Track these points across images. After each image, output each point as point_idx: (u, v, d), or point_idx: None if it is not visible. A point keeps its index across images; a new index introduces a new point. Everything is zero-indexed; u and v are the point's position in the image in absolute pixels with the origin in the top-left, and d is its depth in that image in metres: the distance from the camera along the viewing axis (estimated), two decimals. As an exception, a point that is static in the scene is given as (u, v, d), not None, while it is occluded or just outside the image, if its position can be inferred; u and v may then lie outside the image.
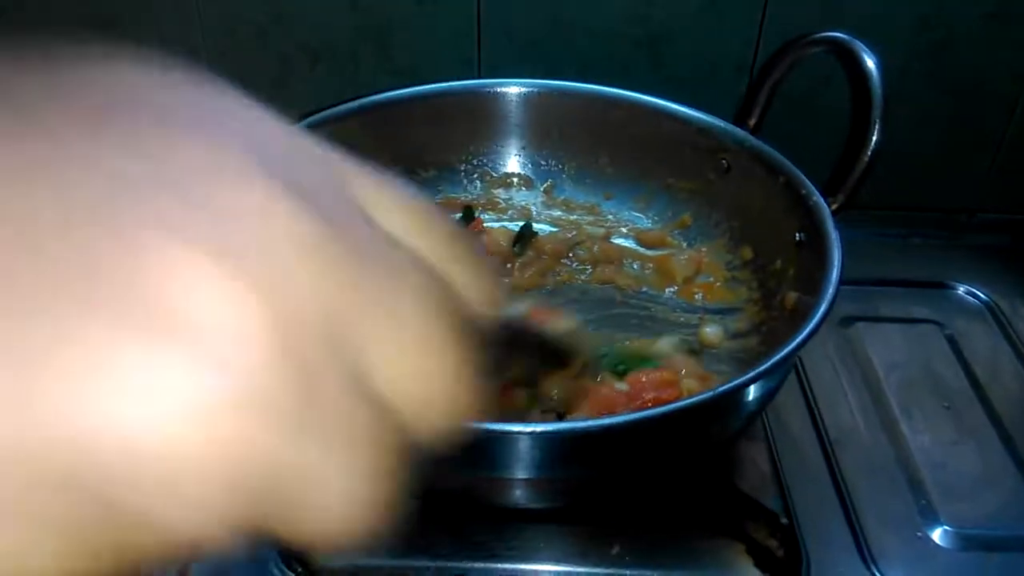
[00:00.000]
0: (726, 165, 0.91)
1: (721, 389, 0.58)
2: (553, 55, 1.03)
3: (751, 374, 0.58)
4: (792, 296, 0.80)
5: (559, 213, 1.01)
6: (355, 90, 0.96)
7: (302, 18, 1.02)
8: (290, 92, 1.05)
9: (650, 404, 0.75)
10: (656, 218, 0.99)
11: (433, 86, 0.96)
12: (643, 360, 0.82)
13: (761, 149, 0.86)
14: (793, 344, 0.61)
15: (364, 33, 1.02)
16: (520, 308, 0.84)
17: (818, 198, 0.79)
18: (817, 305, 0.68)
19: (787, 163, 0.83)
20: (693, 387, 0.77)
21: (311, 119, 0.89)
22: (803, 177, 0.81)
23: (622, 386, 0.78)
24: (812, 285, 0.73)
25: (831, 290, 0.69)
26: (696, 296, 0.92)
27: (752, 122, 0.92)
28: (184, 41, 1.03)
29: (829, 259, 0.73)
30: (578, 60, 1.04)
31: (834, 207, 0.79)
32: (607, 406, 0.76)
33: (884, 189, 1.07)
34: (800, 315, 0.76)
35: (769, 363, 0.59)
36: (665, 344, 0.85)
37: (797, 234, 0.81)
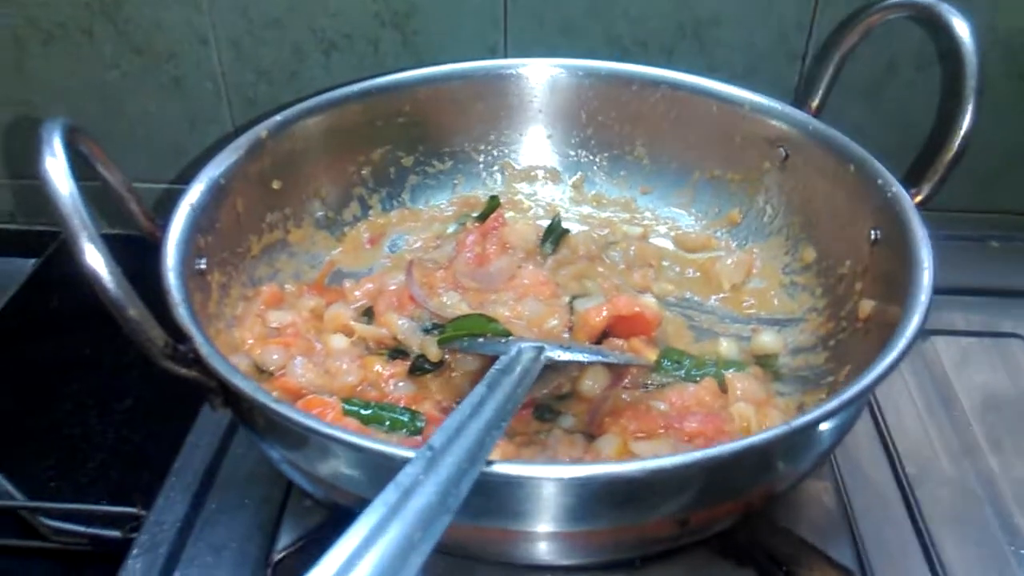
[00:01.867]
0: (784, 154, 0.75)
1: (797, 423, 0.41)
2: (587, 42, 0.89)
3: (844, 396, 0.41)
4: (868, 304, 0.64)
5: (590, 210, 0.86)
6: (374, 79, 0.82)
7: (319, 4, 0.89)
8: (306, 82, 0.93)
9: (694, 434, 0.59)
10: (700, 215, 0.84)
11: (447, 67, 0.82)
12: (700, 366, 0.67)
13: (827, 133, 0.71)
14: (887, 361, 0.45)
15: (383, 19, 0.90)
16: (597, 299, 0.71)
17: (898, 188, 0.64)
18: (908, 314, 0.52)
19: (859, 148, 0.68)
20: (745, 413, 0.60)
21: (307, 104, 0.75)
22: (879, 164, 0.65)
23: (660, 405, 0.62)
24: (893, 291, 0.59)
25: (923, 297, 0.54)
26: (746, 304, 0.75)
27: (814, 103, 0.76)
28: (192, 29, 0.91)
29: (915, 259, 0.58)
30: (615, 47, 0.89)
31: (918, 199, 0.63)
32: (643, 428, 0.60)
33: (955, 187, 0.90)
34: (877, 326, 0.61)
35: (864, 382, 0.42)
36: (728, 347, 0.69)
37: (872, 231, 0.66)
